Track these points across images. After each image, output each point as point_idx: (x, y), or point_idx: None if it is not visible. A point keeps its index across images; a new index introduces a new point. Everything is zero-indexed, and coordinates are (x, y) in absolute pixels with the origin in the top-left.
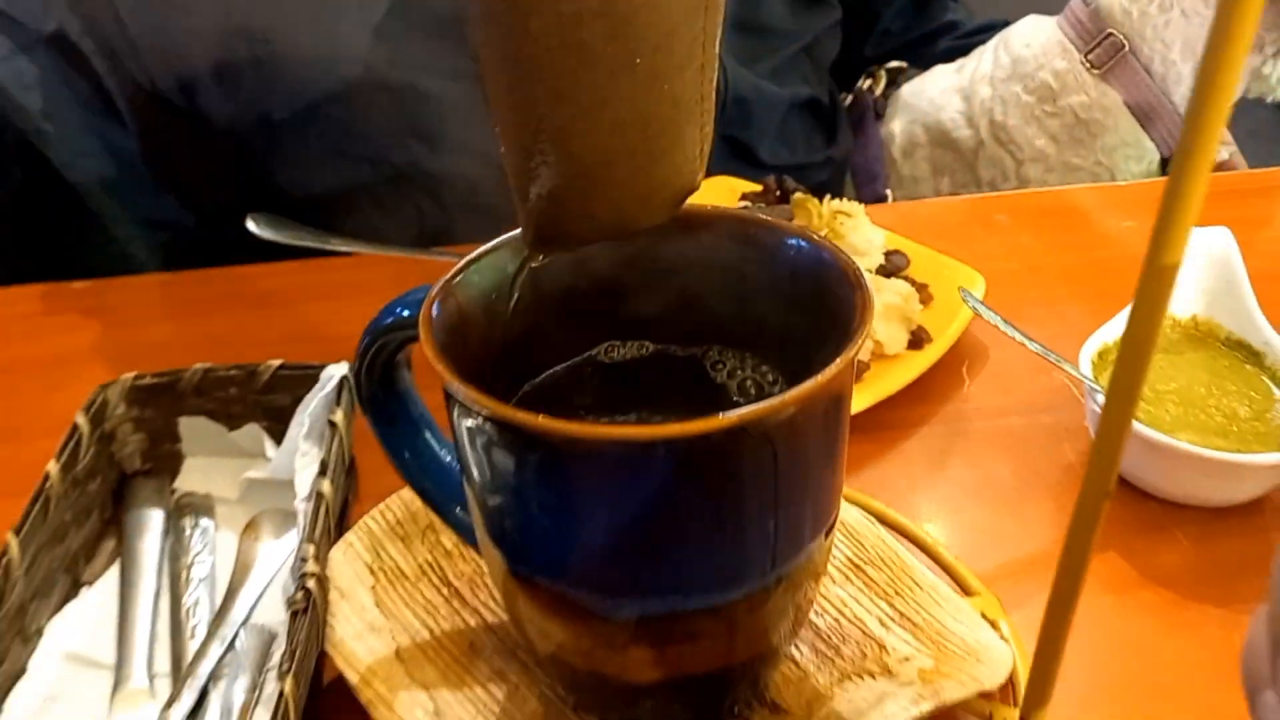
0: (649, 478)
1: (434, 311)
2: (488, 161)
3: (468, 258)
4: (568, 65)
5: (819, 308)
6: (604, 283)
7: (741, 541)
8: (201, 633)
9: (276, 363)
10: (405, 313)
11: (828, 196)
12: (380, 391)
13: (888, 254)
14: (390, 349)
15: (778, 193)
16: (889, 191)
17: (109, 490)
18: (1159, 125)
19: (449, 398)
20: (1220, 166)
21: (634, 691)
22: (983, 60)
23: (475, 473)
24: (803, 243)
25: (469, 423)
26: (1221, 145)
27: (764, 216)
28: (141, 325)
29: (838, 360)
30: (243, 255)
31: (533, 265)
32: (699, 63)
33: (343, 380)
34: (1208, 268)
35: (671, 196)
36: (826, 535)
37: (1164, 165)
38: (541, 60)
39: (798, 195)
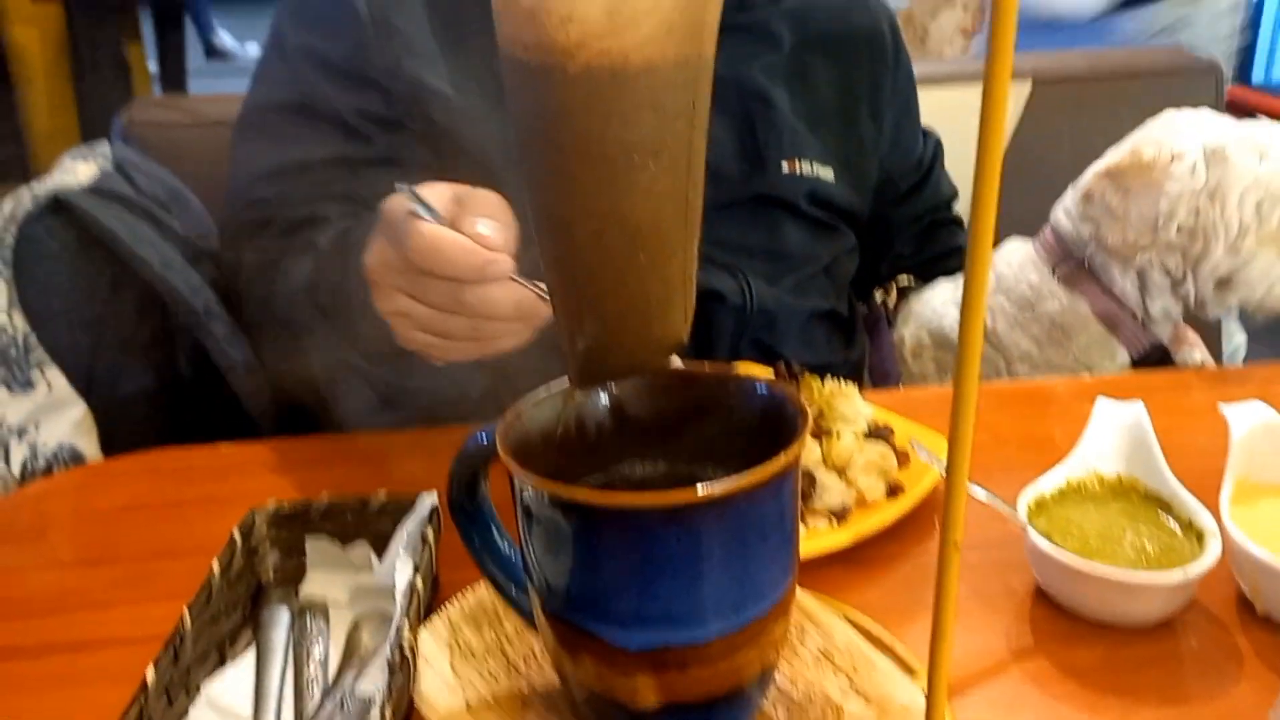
0: (642, 535)
1: (508, 431)
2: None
3: (527, 398)
4: (596, 258)
5: (778, 430)
6: (628, 419)
7: (714, 588)
8: (318, 697)
9: (384, 494)
10: (485, 439)
11: (828, 376)
12: (465, 499)
13: (875, 425)
14: (474, 466)
15: (788, 374)
16: (902, 388)
17: (249, 594)
18: (1122, 331)
19: (513, 483)
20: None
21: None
22: None
23: (525, 535)
24: (764, 387)
25: (525, 497)
26: (1194, 348)
27: (737, 372)
28: (272, 475)
29: (784, 452)
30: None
31: (575, 401)
32: (681, 257)
33: (433, 507)
34: (1127, 435)
35: (668, 345)
36: (783, 605)
37: (1134, 363)
38: (581, 255)
39: (804, 376)
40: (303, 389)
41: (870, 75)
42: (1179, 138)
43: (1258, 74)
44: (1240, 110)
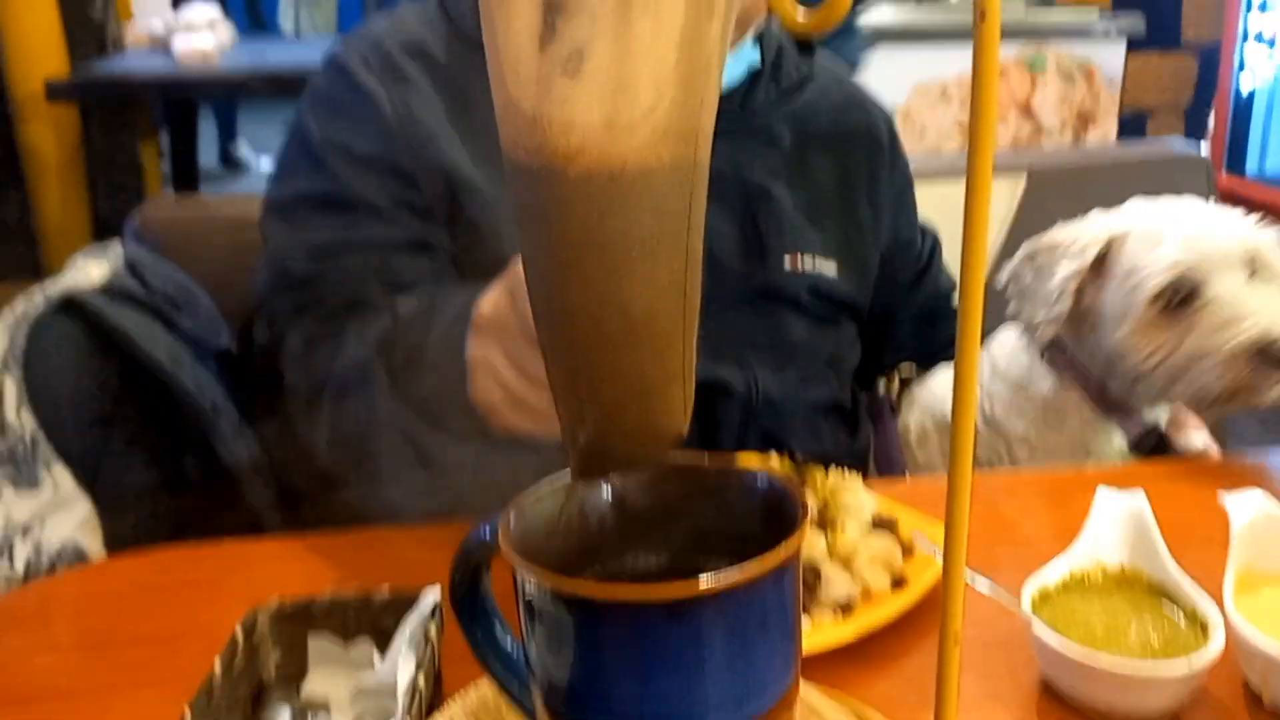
0: (642, 628)
1: (510, 523)
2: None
3: (530, 491)
4: (597, 347)
5: (779, 521)
6: (630, 512)
7: (716, 682)
8: None
9: (386, 590)
10: (487, 533)
11: (831, 466)
12: (467, 592)
13: (879, 516)
14: (476, 560)
15: (791, 465)
16: (908, 476)
17: (251, 694)
18: (1113, 413)
19: (515, 577)
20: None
21: None
22: None
23: (527, 630)
24: (764, 478)
25: (526, 591)
26: (1195, 433)
27: (738, 462)
28: (276, 572)
29: (784, 543)
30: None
31: (577, 493)
32: (680, 350)
33: (436, 603)
34: (1129, 525)
35: (667, 437)
36: (787, 700)
37: (1134, 446)
38: (581, 345)
39: (807, 466)
40: (341, 465)
41: (868, 172)
42: (1111, 220)
43: (1251, 165)
44: (1232, 201)
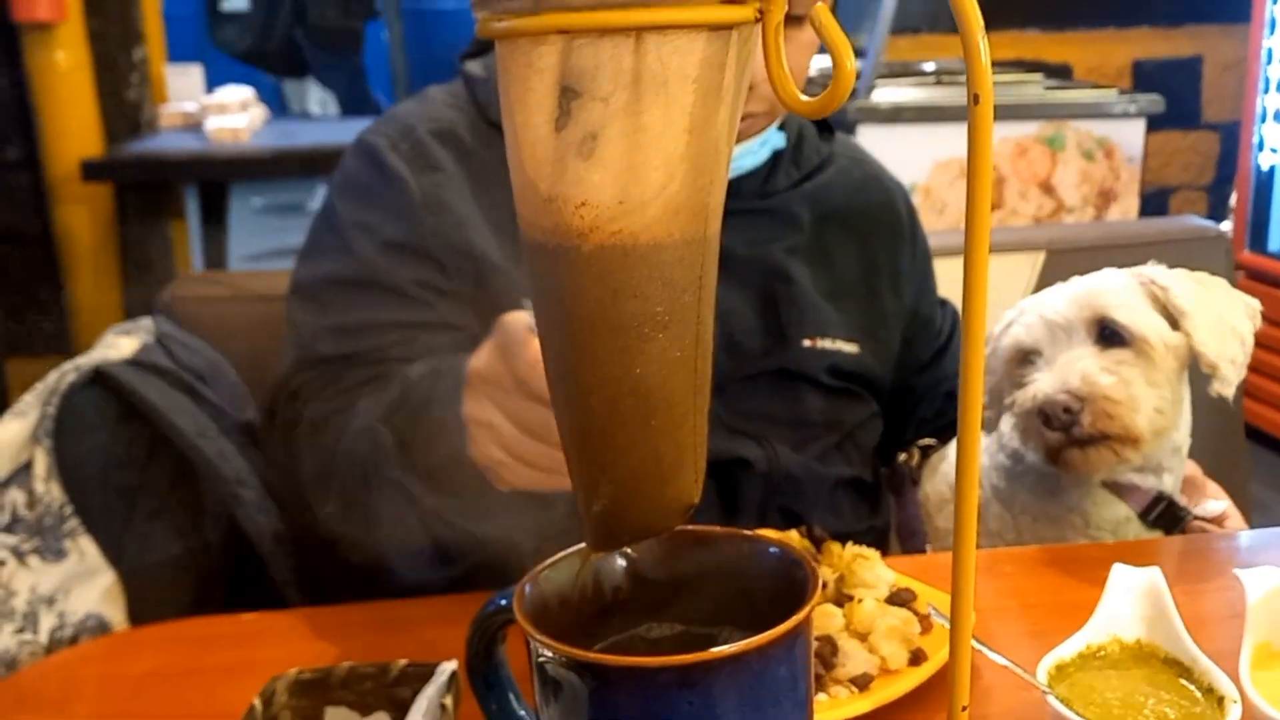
0: (654, 697)
1: (525, 592)
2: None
3: (546, 562)
4: (611, 423)
5: (791, 591)
6: (644, 581)
7: None
8: None
9: (404, 661)
10: (503, 602)
11: (849, 543)
12: (482, 663)
13: (897, 590)
14: (492, 629)
15: (809, 538)
16: (929, 546)
17: None
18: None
19: (529, 647)
20: (1216, 520)
21: None
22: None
23: (541, 700)
24: (775, 548)
25: (540, 660)
26: (1212, 500)
27: (750, 533)
28: (295, 644)
29: (795, 613)
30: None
31: (593, 561)
32: (692, 421)
33: (452, 674)
34: (1145, 600)
35: (680, 507)
36: None
37: (1142, 516)
38: (596, 420)
39: (824, 540)
40: (354, 540)
41: (889, 250)
42: (1025, 299)
43: (1274, 243)
44: (1255, 277)
